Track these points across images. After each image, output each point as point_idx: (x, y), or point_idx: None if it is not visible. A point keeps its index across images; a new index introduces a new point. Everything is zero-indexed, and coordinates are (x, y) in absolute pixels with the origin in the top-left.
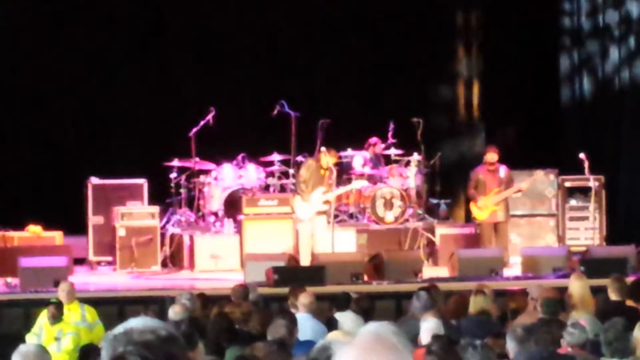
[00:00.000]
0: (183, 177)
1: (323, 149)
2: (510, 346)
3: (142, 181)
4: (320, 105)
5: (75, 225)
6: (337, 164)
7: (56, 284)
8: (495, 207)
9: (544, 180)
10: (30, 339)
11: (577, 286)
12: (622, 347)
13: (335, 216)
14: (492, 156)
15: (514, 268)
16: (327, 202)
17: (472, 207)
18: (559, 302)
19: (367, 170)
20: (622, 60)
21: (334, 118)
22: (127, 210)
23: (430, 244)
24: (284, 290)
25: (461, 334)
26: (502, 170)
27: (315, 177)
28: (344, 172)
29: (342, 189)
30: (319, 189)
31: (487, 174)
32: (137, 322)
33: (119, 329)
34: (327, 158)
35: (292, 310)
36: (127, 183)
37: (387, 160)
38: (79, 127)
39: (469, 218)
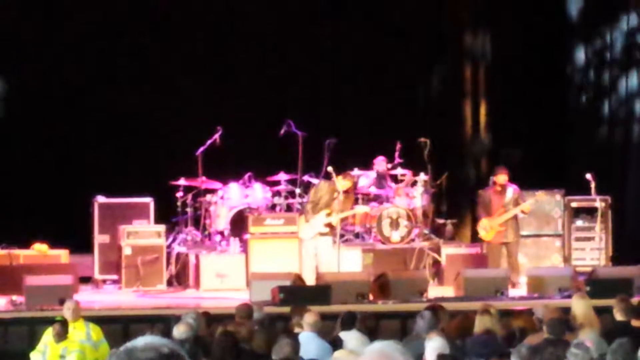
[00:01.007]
0: (189, 196)
1: (336, 173)
2: None
3: (149, 200)
4: (327, 124)
5: (81, 244)
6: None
7: (61, 302)
8: (500, 227)
9: (547, 201)
10: (35, 356)
11: (579, 306)
12: None
13: (341, 235)
14: (502, 178)
15: (521, 288)
16: (328, 225)
17: (478, 227)
18: (564, 323)
19: (373, 190)
20: (632, 87)
21: (341, 137)
22: (133, 229)
23: (436, 263)
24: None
25: (466, 354)
26: (510, 191)
27: (325, 199)
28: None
29: (344, 214)
30: (322, 211)
31: (493, 194)
32: (143, 340)
33: (124, 347)
34: (343, 182)
35: (297, 330)
36: (133, 202)
37: (394, 180)
38: (85, 145)
39: (475, 238)
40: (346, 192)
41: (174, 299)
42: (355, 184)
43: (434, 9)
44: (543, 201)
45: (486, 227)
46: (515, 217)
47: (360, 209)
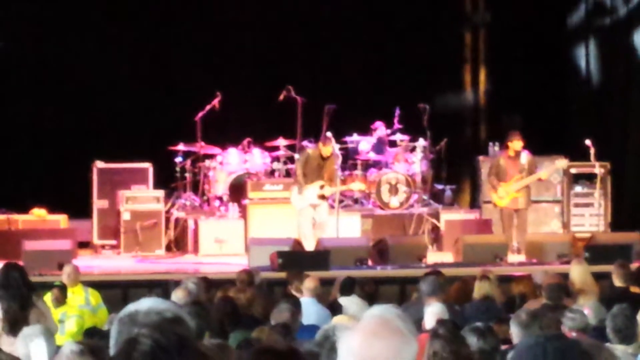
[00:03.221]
0: (188, 161)
1: (317, 140)
2: (515, 331)
3: (147, 165)
4: (326, 90)
5: (79, 209)
6: (342, 149)
7: (60, 267)
8: (517, 194)
9: (563, 168)
10: None
11: (577, 272)
12: (630, 334)
13: (340, 201)
14: (517, 144)
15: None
16: (322, 196)
17: (492, 194)
18: (562, 288)
19: (372, 155)
20: (630, 46)
21: (340, 103)
22: (132, 194)
23: (435, 229)
24: None
25: (465, 319)
26: (524, 156)
27: (312, 168)
28: (349, 157)
29: (339, 188)
30: (316, 182)
31: (508, 160)
32: (145, 304)
33: (127, 309)
34: (324, 148)
35: (296, 295)
36: (132, 167)
37: (393, 145)
38: (84, 110)
39: (474, 204)
40: (328, 157)
41: (172, 264)
42: (346, 147)
43: None
44: (563, 167)
45: (502, 194)
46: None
47: (356, 185)
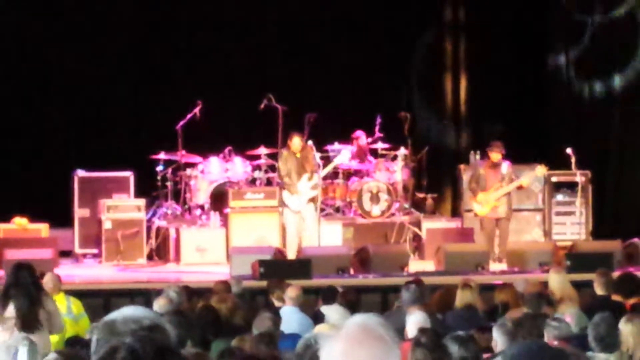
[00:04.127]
0: (169, 170)
1: (289, 138)
2: (498, 339)
3: (129, 174)
4: (307, 98)
5: (61, 218)
6: (323, 158)
7: (42, 276)
8: (496, 202)
9: (543, 175)
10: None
11: (556, 280)
12: (612, 342)
13: (322, 210)
14: (495, 155)
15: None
16: (314, 186)
17: (472, 202)
18: (543, 297)
19: (354, 164)
20: (612, 58)
21: (320, 112)
22: (113, 202)
23: (417, 238)
24: None
25: (447, 327)
26: (505, 166)
27: (293, 165)
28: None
29: (327, 169)
30: (303, 176)
31: (488, 169)
32: (123, 312)
33: (106, 318)
34: (291, 143)
35: (278, 304)
36: (113, 176)
37: (374, 154)
38: (65, 119)
39: (455, 212)
40: (302, 151)
41: (154, 273)
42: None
43: None
44: (543, 176)
45: (482, 202)
46: (509, 193)
47: (339, 159)
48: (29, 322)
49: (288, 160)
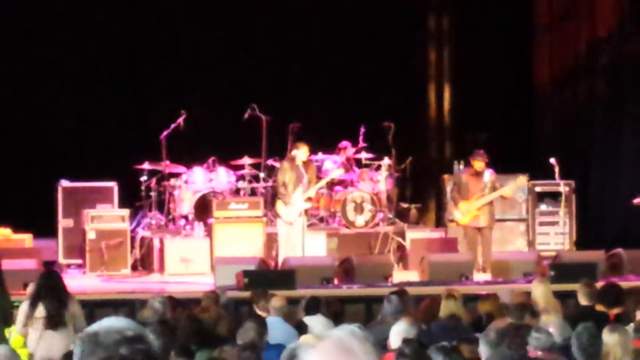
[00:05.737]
0: (153, 180)
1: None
2: (483, 350)
3: (113, 184)
4: (291, 108)
5: (45, 228)
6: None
7: (25, 286)
8: (478, 211)
9: (525, 186)
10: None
11: (540, 291)
12: (595, 352)
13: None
14: (478, 164)
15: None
16: (308, 199)
17: (454, 210)
18: (526, 307)
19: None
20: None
21: (304, 122)
22: (97, 213)
23: (401, 248)
24: None
25: (431, 338)
26: (487, 175)
27: (293, 176)
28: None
29: (320, 183)
30: (298, 189)
31: (470, 178)
32: (106, 323)
33: (88, 329)
34: (302, 151)
35: (263, 314)
36: (97, 186)
37: (358, 164)
38: (49, 129)
39: (439, 222)
40: (305, 162)
41: (138, 283)
42: (319, 169)
43: None
44: (524, 186)
45: (463, 211)
46: (491, 202)
47: (335, 173)
48: (56, 322)
49: (288, 171)
